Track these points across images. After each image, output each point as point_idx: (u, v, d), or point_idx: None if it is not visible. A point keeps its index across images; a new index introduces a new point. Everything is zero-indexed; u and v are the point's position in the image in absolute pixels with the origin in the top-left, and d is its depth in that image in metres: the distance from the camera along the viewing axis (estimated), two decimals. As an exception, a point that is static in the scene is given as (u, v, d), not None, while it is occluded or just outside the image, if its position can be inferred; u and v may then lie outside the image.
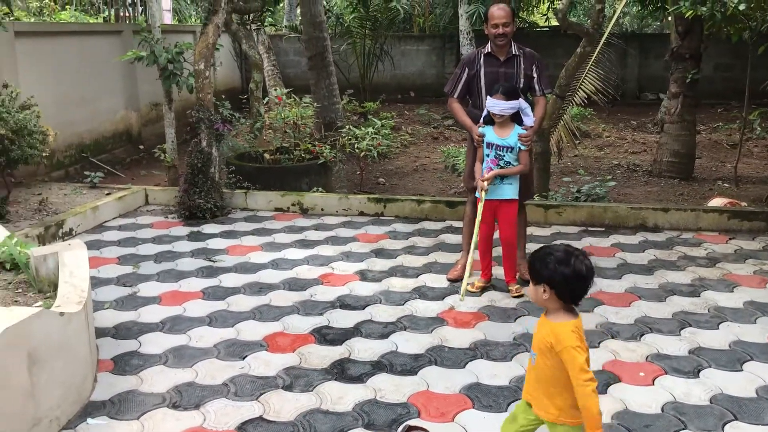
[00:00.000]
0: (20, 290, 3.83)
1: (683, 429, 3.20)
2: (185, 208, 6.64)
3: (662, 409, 3.36)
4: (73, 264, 3.81)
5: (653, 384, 3.60)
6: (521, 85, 4.76)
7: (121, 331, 4.26)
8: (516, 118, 4.62)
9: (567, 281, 2.42)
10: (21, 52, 7.81)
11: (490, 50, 4.81)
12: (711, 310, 4.51)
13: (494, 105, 4.50)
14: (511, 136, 4.60)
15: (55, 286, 3.71)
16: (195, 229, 6.37)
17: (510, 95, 4.50)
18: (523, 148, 4.60)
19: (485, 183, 4.56)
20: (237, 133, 8.97)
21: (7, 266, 4.09)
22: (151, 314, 4.51)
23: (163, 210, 7.05)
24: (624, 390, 3.53)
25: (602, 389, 3.52)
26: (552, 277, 2.42)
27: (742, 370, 3.73)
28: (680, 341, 4.07)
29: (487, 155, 4.66)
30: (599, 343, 4.05)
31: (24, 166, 6.53)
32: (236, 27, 9.56)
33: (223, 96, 9.52)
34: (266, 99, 8.85)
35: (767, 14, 7.35)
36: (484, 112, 4.70)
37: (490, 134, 4.65)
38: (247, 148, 8.30)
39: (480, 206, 4.57)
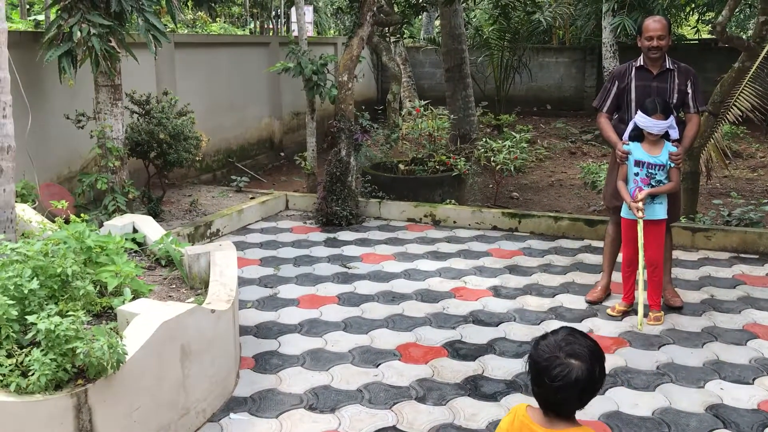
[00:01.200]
0: (174, 286, 4.08)
1: None
2: (323, 214, 6.85)
3: (828, 459, 3.07)
4: (223, 264, 4.02)
5: (817, 429, 3.29)
6: (674, 101, 4.53)
7: (262, 331, 4.44)
8: (664, 134, 4.43)
9: (532, 381, 1.98)
10: (179, 62, 8.37)
11: (642, 63, 4.61)
12: None
13: (653, 125, 4.31)
14: (663, 153, 4.40)
15: (206, 284, 3.93)
16: (331, 235, 6.55)
17: (667, 112, 4.32)
18: (673, 165, 4.40)
19: (641, 203, 4.35)
20: (372, 143, 9.15)
21: (163, 262, 4.38)
22: (289, 316, 4.67)
23: (301, 215, 7.30)
24: (783, 434, 3.26)
25: (757, 430, 3.27)
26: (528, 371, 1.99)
27: None
28: None
29: (636, 174, 4.45)
30: (753, 380, 3.76)
31: (178, 168, 6.98)
32: (377, 39, 9.77)
33: (363, 107, 9.74)
34: (403, 110, 8.98)
35: None
36: (629, 127, 4.50)
37: (639, 152, 4.44)
38: (382, 159, 8.44)
39: (640, 228, 4.37)
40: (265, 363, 3.99)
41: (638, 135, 4.45)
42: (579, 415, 2.01)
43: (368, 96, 15.07)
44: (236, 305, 3.92)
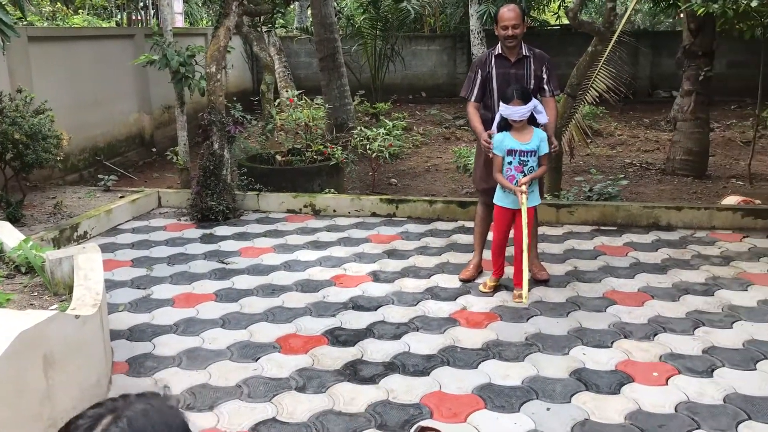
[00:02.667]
0: (36, 293, 3.88)
1: (697, 429, 3.19)
2: (198, 210, 6.69)
3: (675, 409, 3.35)
4: (87, 267, 3.85)
5: (667, 384, 3.58)
6: (531, 86, 4.76)
7: (135, 334, 4.29)
8: (531, 120, 4.59)
9: None
10: (35, 57, 7.88)
11: (500, 51, 4.81)
12: (725, 309, 4.49)
13: (513, 112, 4.45)
14: (533, 139, 4.55)
15: (71, 289, 3.75)
16: (208, 231, 6.41)
17: (526, 98, 4.46)
18: (546, 151, 4.61)
19: (525, 187, 4.48)
20: (248, 135, 9.01)
21: (23, 270, 4.14)
22: (164, 316, 4.54)
23: (175, 212, 7.09)
24: (637, 390, 3.52)
25: (615, 389, 3.52)
26: None
27: (755, 369, 3.71)
28: (694, 341, 4.06)
29: (510, 162, 4.57)
30: (612, 343, 4.04)
31: (39, 169, 6.60)
32: (247, 29, 9.61)
33: (235, 98, 9.55)
34: (278, 101, 8.88)
35: (780, 11, 7.28)
36: (497, 118, 4.63)
37: (510, 141, 4.56)
38: (258, 150, 8.33)
39: (524, 211, 4.48)
40: (139, 366, 3.87)
41: (506, 124, 4.57)
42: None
43: (243, 87, 14.80)
44: (104, 309, 3.78)
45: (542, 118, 4.59)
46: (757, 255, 5.47)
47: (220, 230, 6.43)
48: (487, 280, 4.91)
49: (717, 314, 4.41)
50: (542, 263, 5.17)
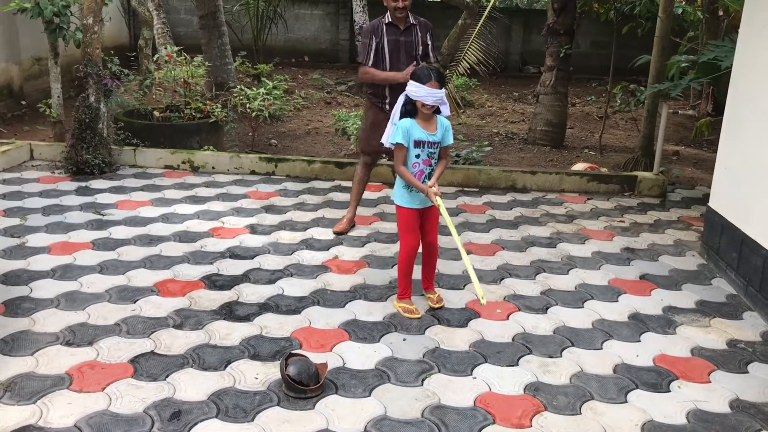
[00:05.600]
0: None
1: (529, 353, 3.72)
2: (73, 163, 6.63)
3: (513, 339, 3.87)
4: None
5: (507, 319, 4.11)
6: (420, 53, 5.10)
7: (10, 279, 4.34)
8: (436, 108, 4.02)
9: None
10: None
11: (390, 20, 5.12)
12: (564, 258, 5.11)
13: (429, 94, 3.81)
14: (439, 129, 3.99)
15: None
16: (83, 184, 6.39)
17: (442, 82, 3.89)
18: (450, 141, 4.07)
19: (436, 187, 3.93)
20: (125, 90, 8.88)
21: None
22: (41, 263, 4.60)
23: (49, 165, 6.98)
24: (482, 324, 4.02)
25: (463, 323, 4.01)
26: None
27: (583, 307, 4.32)
28: (534, 284, 4.63)
29: (417, 156, 3.96)
30: (464, 286, 4.53)
31: None
32: (125, -18, 9.39)
33: (112, 52, 9.34)
34: (156, 56, 8.78)
35: (629, -3, 8.07)
36: (401, 100, 4.00)
37: (418, 131, 3.93)
38: (136, 106, 8.26)
39: (445, 214, 3.92)
40: (16, 308, 3.96)
41: (412, 110, 3.95)
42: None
43: (120, 42, 14.30)
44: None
45: (446, 110, 4.03)
46: (597, 215, 6.18)
47: (96, 183, 6.43)
48: (406, 306, 4.12)
49: (557, 263, 5.02)
50: None
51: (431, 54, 5.19)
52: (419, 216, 4.09)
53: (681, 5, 8.77)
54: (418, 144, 3.94)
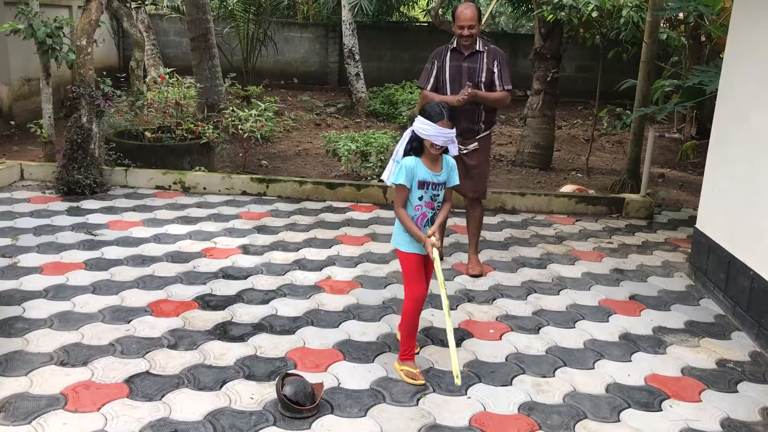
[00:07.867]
0: None
1: (522, 373, 3.75)
2: (64, 183, 6.63)
3: (506, 359, 3.91)
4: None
5: (500, 339, 4.15)
6: (483, 80, 5.00)
7: (3, 299, 4.33)
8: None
9: None
10: None
11: (455, 46, 5.07)
12: (554, 279, 5.16)
13: (439, 134, 3.47)
14: (444, 170, 3.63)
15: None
16: (74, 204, 6.39)
17: (455, 122, 3.57)
18: (456, 182, 3.70)
19: (435, 239, 3.51)
20: (117, 110, 8.90)
21: None
22: (33, 283, 4.60)
23: (39, 185, 6.98)
24: (475, 344, 4.06)
25: (457, 343, 4.03)
26: None
27: (574, 327, 4.36)
28: (526, 304, 4.67)
29: (420, 198, 3.57)
30: (457, 306, 4.57)
31: None
32: (117, 4, 9.46)
33: (104, 73, 9.38)
34: (147, 77, 8.82)
35: (614, 23, 8.22)
36: (406, 135, 3.63)
37: (423, 170, 3.57)
38: (127, 126, 8.28)
39: (439, 271, 3.49)
40: (9, 328, 3.94)
41: (418, 147, 3.59)
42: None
43: (109, 63, 14.34)
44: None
45: (453, 149, 3.66)
46: (586, 236, 6.25)
47: (88, 204, 6.43)
48: (409, 369, 3.66)
49: (547, 283, 5.07)
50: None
51: (497, 82, 5.01)
52: (424, 262, 3.65)
53: (665, 31, 8.93)
54: (421, 185, 3.56)
